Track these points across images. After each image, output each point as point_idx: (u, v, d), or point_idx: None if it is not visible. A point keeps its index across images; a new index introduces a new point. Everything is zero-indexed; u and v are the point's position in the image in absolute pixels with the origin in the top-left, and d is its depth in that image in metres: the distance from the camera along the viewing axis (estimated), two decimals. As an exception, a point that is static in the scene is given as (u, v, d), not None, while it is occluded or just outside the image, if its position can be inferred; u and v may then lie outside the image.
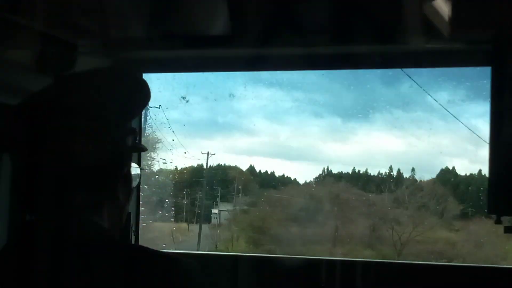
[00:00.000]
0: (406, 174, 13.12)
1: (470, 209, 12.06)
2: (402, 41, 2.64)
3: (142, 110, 1.57)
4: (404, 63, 3.04)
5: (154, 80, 3.52)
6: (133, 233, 3.09)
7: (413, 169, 12.99)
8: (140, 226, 3.26)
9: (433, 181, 12.79)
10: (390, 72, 8.00)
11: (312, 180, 14.01)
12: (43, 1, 2.26)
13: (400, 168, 13.07)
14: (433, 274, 3.00)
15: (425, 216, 12.49)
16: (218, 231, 13.49)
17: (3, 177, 2.46)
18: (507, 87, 2.42)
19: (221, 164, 14.24)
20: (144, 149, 1.72)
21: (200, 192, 13.76)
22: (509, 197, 2.44)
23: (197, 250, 10.63)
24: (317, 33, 2.59)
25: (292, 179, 14.08)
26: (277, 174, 14.11)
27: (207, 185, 13.83)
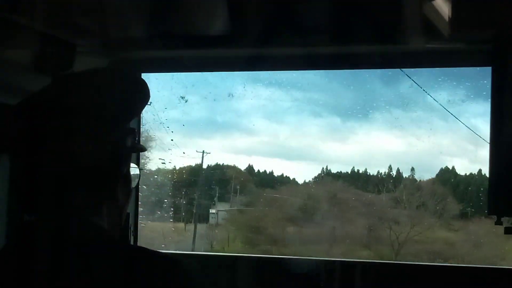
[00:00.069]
0: (406, 174, 13.12)
1: (469, 209, 12.05)
2: (402, 41, 2.64)
3: (141, 110, 1.57)
4: (404, 63, 3.04)
5: (153, 80, 3.52)
6: (132, 233, 3.09)
7: (412, 169, 12.98)
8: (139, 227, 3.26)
9: (432, 181, 12.79)
10: (390, 72, 8.00)
11: (311, 179, 14.00)
12: (43, 1, 2.25)
13: (400, 168, 13.07)
14: (432, 275, 3.00)
15: (424, 216, 12.49)
16: (216, 231, 13.47)
17: (1, 178, 2.45)
18: (508, 87, 2.42)
19: (220, 164, 14.22)
20: (143, 149, 1.72)
21: (197, 192, 13.74)
22: (510, 198, 2.44)
23: (192, 251, 10.61)
24: (317, 33, 2.59)
25: (291, 178, 14.07)
26: (276, 173, 14.09)
27: (205, 185, 13.82)
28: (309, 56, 2.85)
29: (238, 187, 14.21)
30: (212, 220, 13.84)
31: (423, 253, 11.56)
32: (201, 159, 12.83)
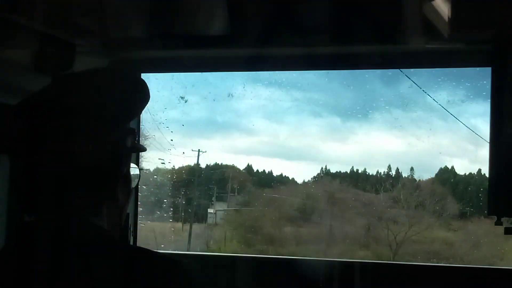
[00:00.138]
0: (405, 174, 13.14)
1: (469, 209, 12.06)
2: (402, 41, 2.64)
3: (141, 110, 1.57)
4: (404, 63, 3.03)
5: (153, 80, 3.52)
6: (131, 234, 3.09)
7: (412, 169, 13.00)
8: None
9: (432, 181, 12.80)
10: (389, 72, 8.00)
11: (310, 179, 14.03)
12: (43, 1, 2.25)
13: (399, 168, 13.09)
14: (431, 275, 3.00)
15: (423, 216, 12.49)
16: (213, 230, 13.49)
17: (1, 178, 2.45)
18: (507, 87, 2.42)
19: (219, 164, 14.23)
20: (143, 149, 1.72)
21: (196, 192, 13.75)
22: (510, 198, 2.44)
23: (187, 251, 10.61)
24: (317, 33, 2.59)
25: (290, 178, 14.09)
26: (275, 173, 14.11)
27: (204, 185, 13.83)
28: (309, 56, 2.85)
29: (237, 187, 14.23)
30: (210, 220, 13.85)
31: (422, 253, 11.58)
32: (196, 158, 12.83)
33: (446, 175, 12.56)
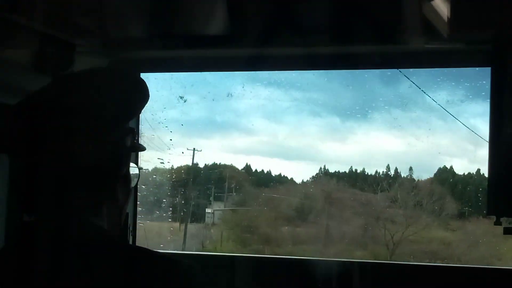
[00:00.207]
0: (404, 174, 13.13)
1: (467, 208, 12.06)
2: (402, 41, 2.64)
3: (141, 110, 1.57)
4: (404, 63, 3.04)
5: (152, 80, 3.52)
6: (130, 233, 3.09)
7: (410, 169, 12.99)
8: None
9: (430, 181, 12.79)
10: (389, 72, 8.00)
11: (309, 179, 14.01)
12: (43, 1, 2.25)
13: (398, 168, 13.08)
14: (430, 275, 3.01)
15: (421, 216, 12.49)
16: (211, 230, 13.48)
17: (1, 178, 2.45)
18: (507, 87, 2.42)
19: (217, 163, 14.21)
20: (142, 149, 1.71)
21: (194, 192, 13.73)
22: (509, 198, 2.44)
23: (182, 250, 10.60)
24: (316, 33, 2.59)
25: (289, 178, 14.07)
26: (274, 173, 14.09)
27: (203, 185, 13.82)
28: (308, 56, 2.85)
29: (236, 186, 14.21)
30: (208, 220, 13.84)
31: (419, 253, 11.58)
32: (191, 157, 12.81)
33: (445, 175, 12.55)
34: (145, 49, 2.91)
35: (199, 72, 3.91)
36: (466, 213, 12.12)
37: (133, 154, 1.60)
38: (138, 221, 3.34)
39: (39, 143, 1.39)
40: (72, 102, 1.42)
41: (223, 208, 14.16)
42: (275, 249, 11.97)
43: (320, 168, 13.85)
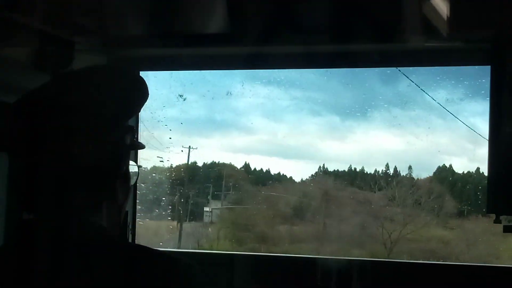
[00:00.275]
0: (404, 173, 13.12)
1: (466, 207, 12.06)
2: (401, 39, 2.64)
3: (140, 108, 1.56)
4: (403, 61, 3.04)
5: (152, 78, 3.51)
6: (130, 232, 3.08)
7: (410, 167, 12.99)
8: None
9: (430, 179, 12.79)
10: (388, 70, 7.99)
11: (308, 178, 14.01)
12: (43, 0, 2.25)
13: (398, 166, 13.07)
14: (429, 273, 3.00)
15: (420, 214, 12.49)
16: (209, 229, 13.47)
17: (1, 177, 2.45)
18: (507, 85, 2.42)
19: (216, 162, 14.20)
20: (142, 147, 1.71)
21: (193, 190, 13.73)
22: (508, 196, 2.44)
23: (178, 248, 10.61)
24: (316, 31, 2.59)
25: (288, 177, 14.06)
26: (273, 172, 14.08)
27: (202, 183, 13.81)
28: (308, 55, 2.85)
29: (235, 185, 14.21)
30: (206, 218, 13.84)
31: (418, 252, 11.58)
32: (187, 155, 12.80)
33: (445, 174, 12.55)
34: (145, 47, 2.91)
35: (199, 71, 3.91)
36: (465, 212, 12.12)
37: (132, 152, 1.60)
38: (137, 220, 3.35)
39: (38, 141, 1.38)
40: (72, 100, 1.41)
41: (221, 207, 14.16)
42: (271, 247, 11.97)
43: (319, 167, 13.86)
